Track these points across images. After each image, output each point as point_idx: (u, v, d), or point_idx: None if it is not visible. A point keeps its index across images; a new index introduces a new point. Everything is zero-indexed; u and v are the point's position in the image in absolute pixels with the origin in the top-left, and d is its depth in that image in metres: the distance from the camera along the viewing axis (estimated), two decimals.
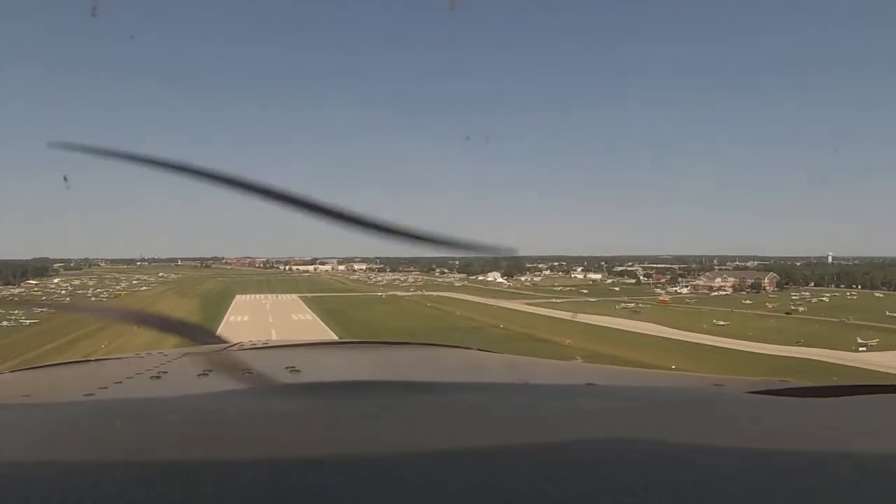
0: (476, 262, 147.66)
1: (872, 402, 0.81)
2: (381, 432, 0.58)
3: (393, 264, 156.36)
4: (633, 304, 74.98)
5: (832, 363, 37.52)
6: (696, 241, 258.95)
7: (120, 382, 1.05)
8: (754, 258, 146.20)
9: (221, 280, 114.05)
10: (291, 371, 1.09)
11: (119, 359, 1.53)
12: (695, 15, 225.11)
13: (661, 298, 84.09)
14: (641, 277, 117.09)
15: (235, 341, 1.66)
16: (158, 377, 1.12)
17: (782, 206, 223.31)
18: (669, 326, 54.72)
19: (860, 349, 43.99)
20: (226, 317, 53.63)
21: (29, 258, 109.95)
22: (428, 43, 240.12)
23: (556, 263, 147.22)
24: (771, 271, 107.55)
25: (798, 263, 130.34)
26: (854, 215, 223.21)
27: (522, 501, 0.43)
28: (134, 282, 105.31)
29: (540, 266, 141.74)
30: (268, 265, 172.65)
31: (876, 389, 0.85)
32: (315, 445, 0.52)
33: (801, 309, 71.06)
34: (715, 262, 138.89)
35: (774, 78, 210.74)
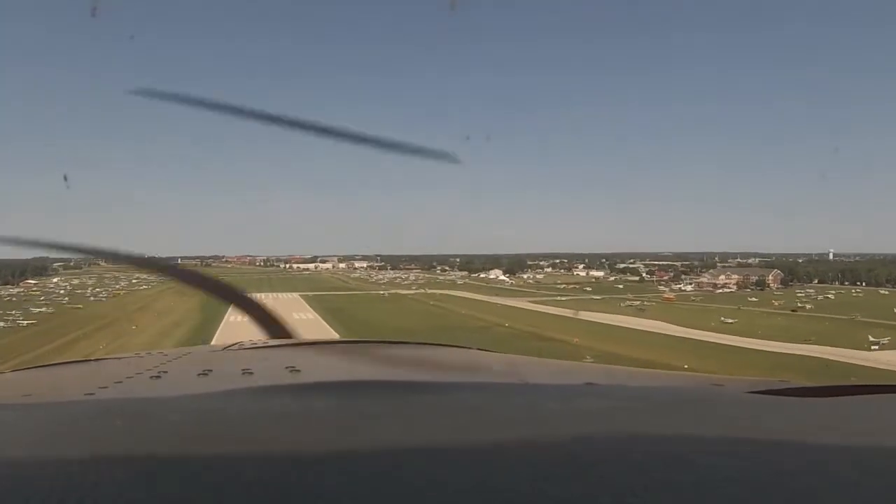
0: (477, 259, 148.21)
1: (872, 402, 0.81)
2: (381, 432, 0.58)
3: (393, 262, 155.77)
4: (638, 302, 74.42)
5: (848, 363, 36.75)
6: (697, 238, 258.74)
7: (120, 382, 1.05)
8: (755, 255, 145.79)
9: (222, 278, 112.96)
10: (291, 371, 1.09)
11: (119, 359, 1.54)
12: (696, 11, 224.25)
13: (666, 296, 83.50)
14: (644, 275, 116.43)
15: (235, 341, 1.68)
16: (158, 377, 1.13)
17: (783, 204, 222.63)
18: (677, 324, 54.03)
19: (872, 347, 43.28)
20: (226, 317, 52.83)
21: (29, 258, 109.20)
22: (428, 43, 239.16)
23: (558, 261, 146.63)
24: (773, 268, 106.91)
25: (800, 260, 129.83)
26: (855, 212, 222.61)
27: (522, 501, 0.43)
28: (133, 281, 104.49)
29: (541, 263, 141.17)
30: (268, 263, 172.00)
31: (876, 389, 0.85)
32: (315, 445, 0.52)
33: (807, 306, 70.45)
34: (716, 259, 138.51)
35: (774, 75, 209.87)
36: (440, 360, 1.56)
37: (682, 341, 45.80)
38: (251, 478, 0.45)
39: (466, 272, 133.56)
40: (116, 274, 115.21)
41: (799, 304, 71.58)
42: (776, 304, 72.72)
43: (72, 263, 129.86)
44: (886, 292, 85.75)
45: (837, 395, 0.82)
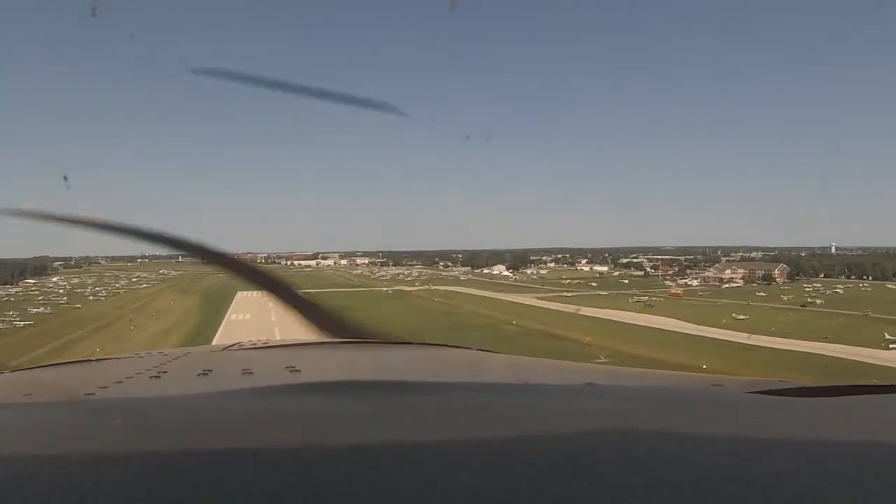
0: (480, 255, 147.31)
1: (872, 402, 0.81)
2: (381, 432, 0.57)
3: (395, 258, 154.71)
4: (646, 298, 73.12)
5: (868, 363, 35.51)
6: (699, 232, 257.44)
7: (120, 382, 1.05)
8: (757, 249, 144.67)
9: (222, 276, 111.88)
10: (291, 371, 1.09)
11: (119, 359, 1.54)
12: (696, 6, 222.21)
13: (673, 291, 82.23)
14: (649, 269, 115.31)
15: (235, 341, 1.68)
16: (158, 377, 1.13)
17: (784, 197, 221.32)
18: (688, 321, 52.75)
19: (891, 346, 42.06)
20: (227, 315, 51.80)
21: (29, 257, 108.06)
22: (428, 42, 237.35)
23: (560, 256, 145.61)
24: (778, 262, 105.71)
25: (803, 254, 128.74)
26: (857, 206, 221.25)
27: (522, 501, 0.43)
28: (134, 279, 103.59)
29: (544, 258, 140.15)
30: (269, 261, 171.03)
31: (876, 389, 0.85)
32: (315, 445, 0.52)
33: (818, 301, 69.21)
34: (719, 252, 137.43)
35: (774, 70, 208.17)
36: (440, 360, 1.57)
37: (696, 339, 44.54)
38: (251, 478, 0.45)
39: (469, 268, 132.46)
40: (117, 273, 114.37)
41: (808, 300, 70.34)
42: (785, 299, 71.45)
43: (72, 262, 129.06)
44: (894, 287, 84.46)
45: (837, 395, 0.82)
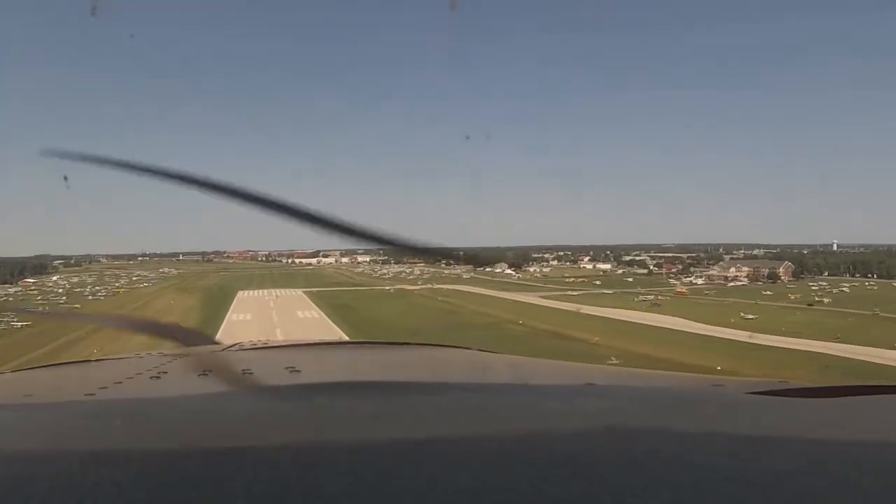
0: (482, 252, 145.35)
1: (872, 402, 0.81)
2: (381, 432, 0.57)
3: (396, 256, 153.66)
4: (651, 297, 72.28)
5: (884, 364, 34.62)
6: (700, 229, 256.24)
7: (120, 382, 1.05)
8: (759, 246, 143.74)
9: (223, 275, 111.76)
10: (291, 371, 1.09)
11: (119, 359, 1.55)
12: (697, 2, 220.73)
13: (679, 290, 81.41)
14: (652, 267, 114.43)
15: (235, 342, 1.69)
16: (158, 377, 1.13)
17: (786, 194, 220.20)
18: (696, 321, 51.89)
19: None
20: (227, 315, 51.09)
21: (30, 255, 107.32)
22: (428, 42, 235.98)
23: (562, 253, 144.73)
24: (779, 260, 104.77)
25: (805, 252, 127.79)
26: (858, 203, 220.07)
27: (522, 501, 0.43)
28: (134, 278, 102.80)
29: (546, 256, 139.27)
30: (270, 258, 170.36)
31: (876, 389, 0.85)
32: (315, 445, 0.52)
33: (825, 300, 68.28)
34: (721, 250, 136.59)
35: (774, 67, 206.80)
36: (440, 360, 1.57)
37: (706, 340, 43.71)
38: (251, 478, 0.45)
39: (472, 266, 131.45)
40: (117, 271, 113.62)
41: (816, 298, 69.47)
42: (792, 297, 70.62)
43: (72, 261, 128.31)
44: None
45: (837, 396, 0.82)
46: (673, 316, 55.23)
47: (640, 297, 71.77)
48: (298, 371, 1.08)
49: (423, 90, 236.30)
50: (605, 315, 56.69)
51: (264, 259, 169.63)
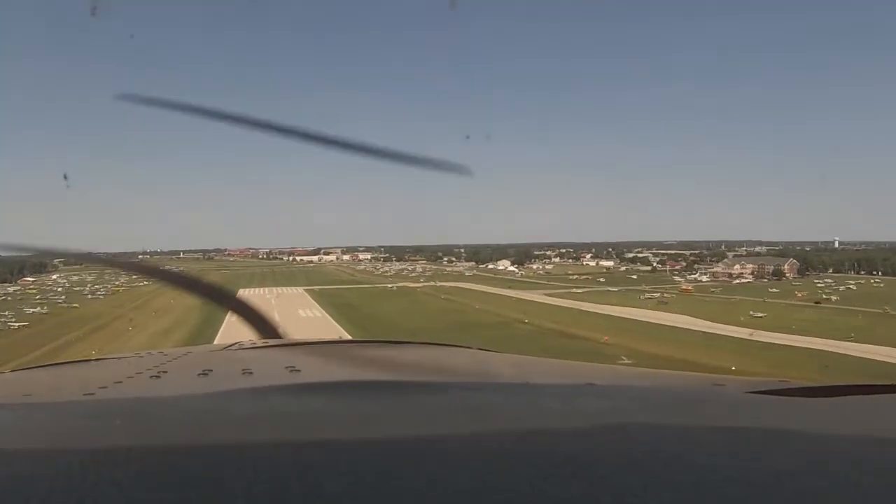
0: (483, 250, 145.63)
1: (872, 402, 0.82)
2: (381, 432, 0.58)
3: (398, 253, 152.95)
4: (658, 294, 71.72)
5: None
6: (700, 226, 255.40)
7: (120, 382, 1.05)
8: (760, 243, 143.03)
9: (224, 273, 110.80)
10: (291, 371, 1.09)
11: (119, 358, 1.55)
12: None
13: (684, 287, 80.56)
14: (655, 264, 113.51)
15: (235, 341, 1.72)
16: (158, 377, 1.13)
17: (786, 191, 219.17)
18: (705, 319, 51.12)
19: None
20: (228, 316, 49.97)
21: (31, 255, 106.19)
22: (428, 42, 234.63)
23: (564, 250, 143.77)
24: (782, 257, 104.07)
25: (807, 249, 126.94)
26: (859, 200, 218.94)
27: (522, 501, 0.43)
28: (134, 276, 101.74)
29: (548, 253, 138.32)
30: (271, 256, 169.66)
31: (876, 389, 0.85)
32: (315, 445, 0.52)
33: (833, 298, 67.40)
34: (723, 247, 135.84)
35: (776, 64, 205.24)
36: (440, 359, 1.57)
37: (715, 339, 42.89)
38: (251, 478, 0.45)
39: (474, 263, 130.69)
40: (117, 270, 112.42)
41: (824, 296, 68.54)
42: (799, 295, 69.74)
43: (73, 260, 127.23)
44: None
45: (837, 395, 0.82)
46: (681, 314, 54.46)
47: (646, 295, 71.10)
48: (298, 371, 1.08)
49: (424, 88, 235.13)
50: (613, 313, 55.99)
51: (265, 257, 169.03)
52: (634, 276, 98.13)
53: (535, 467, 0.48)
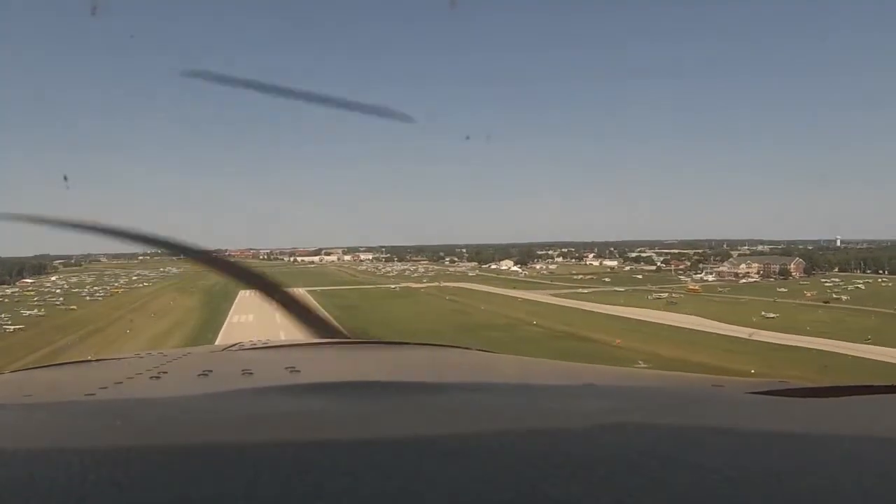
0: (485, 250, 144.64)
1: (872, 402, 0.82)
2: (381, 432, 0.57)
3: (399, 253, 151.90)
4: (665, 294, 70.48)
5: None
6: (701, 225, 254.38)
7: (120, 383, 1.05)
8: (762, 242, 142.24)
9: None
10: (291, 371, 1.09)
11: (119, 359, 1.55)
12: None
13: (691, 287, 79.32)
14: (660, 264, 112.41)
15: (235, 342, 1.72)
16: (158, 377, 1.13)
17: (788, 189, 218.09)
18: (717, 320, 49.96)
19: None
20: (228, 317, 49.07)
21: (30, 255, 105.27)
22: (428, 41, 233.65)
23: (566, 250, 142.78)
24: (786, 256, 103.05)
25: (810, 247, 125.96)
26: (861, 199, 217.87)
27: (522, 501, 0.43)
28: (134, 277, 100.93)
29: (550, 253, 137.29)
30: (272, 256, 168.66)
31: (876, 389, 0.85)
32: (315, 445, 0.52)
33: (843, 298, 66.16)
34: (725, 246, 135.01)
35: (776, 62, 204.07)
36: (440, 360, 1.58)
37: (731, 341, 41.76)
38: (251, 478, 0.45)
39: (476, 263, 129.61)
40: (116, 271, 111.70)
41: (833, 296, 67.34)
42: (808, 295, 68.48)
43: (72, 261, 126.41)
44: None
45: (837, 395, 0.82)
46: (691, 315, 53.30)
47: (654, 295, 69.92)
48: (298, 371, 1.08)
49: (425, 88, 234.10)
50: (622, 314, 54.84)
51: (266, 257, 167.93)
52: (640, 276, 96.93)
53: (535, 467, 0.48)
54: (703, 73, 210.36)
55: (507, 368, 1.50)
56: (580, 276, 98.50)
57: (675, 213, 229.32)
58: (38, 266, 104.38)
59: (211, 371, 1.14)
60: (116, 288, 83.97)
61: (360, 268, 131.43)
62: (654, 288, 77.40)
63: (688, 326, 48.09)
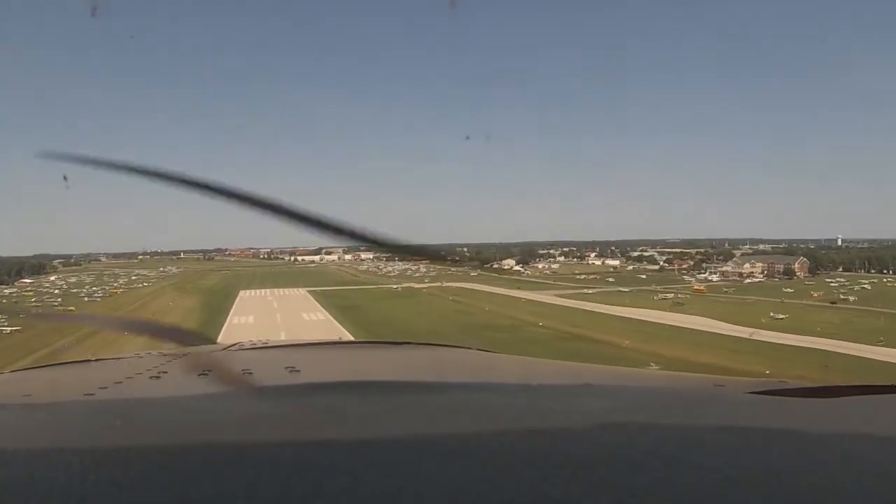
0: (486, 249, 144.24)
1: (872, 402, 0.82)
2: (382, 432, 0.57)
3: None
4: (671, 295, 69.57)
5: None
6: (702, 224, 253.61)
7: (120, 382, 1.06)
8: (763, 241, 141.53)
9: (224, 273, 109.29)
10: (291, 371, 1.09)
11: (119, 359, 1.56)
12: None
13: (696, 287, 78.54)
14: (663, 263, 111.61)
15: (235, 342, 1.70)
16: (158, 377, 1.14)
17: (788, 188, 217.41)
18: (725, 321, 49.10)
19: None
20: (229, 318, 48.32)
21: (29, 255, 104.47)
22: (428, 41, 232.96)
23: (567, 249, 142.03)
24: (789, 255, 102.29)
25: (811, 246, 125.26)
26: (862, 197, 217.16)
27: (522, 501, 0.43)
28: (133, 277, 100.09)
29: (552, 252, 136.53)
30: (272, 256, 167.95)
31: (876, 390, 0.85)
32: (315, 445, 0.52)
33: (850, 298, 65.32)
34: (726, 245, 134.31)
35: (777, 62, 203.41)
36: (440, 360, 1.57)
37: (739, 342, 40.98)
38: (251, 478, 0.45)
39: (478, 262, 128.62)
40: (116, 271, 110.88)
41: (841, 296, 66.51)
42: (815, 295, 67.68)
43: (72, 260, 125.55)
44: None
45: (837, 395, 0.82)
46: (699, 316, 52.42)
47: (660, 296, 69.11)
48: (298, 371, 1.08)
49: (425, 88, 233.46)
50: (629, 315, 53.87)
51: (266, 257, 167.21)
52: (643, 276, 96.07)
53: (535, 467, 0.47)
54: (703, 73, 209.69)
55: (507, 368, 1.49)
56: (583, 276, 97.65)
57: (675, 212, 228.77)
58: (38, 266, 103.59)
59: (211, 371, 1.13)
60: (115, 288, 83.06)
61: (361, 267, 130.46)
62: (658, 288, 76.57)
63: (696, 328, 47.22)
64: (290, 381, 0.97)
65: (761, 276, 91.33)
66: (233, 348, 1.60)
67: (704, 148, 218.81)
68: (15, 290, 79.19)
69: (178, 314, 51.80)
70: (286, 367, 1.10)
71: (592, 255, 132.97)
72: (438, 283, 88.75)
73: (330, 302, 62.70)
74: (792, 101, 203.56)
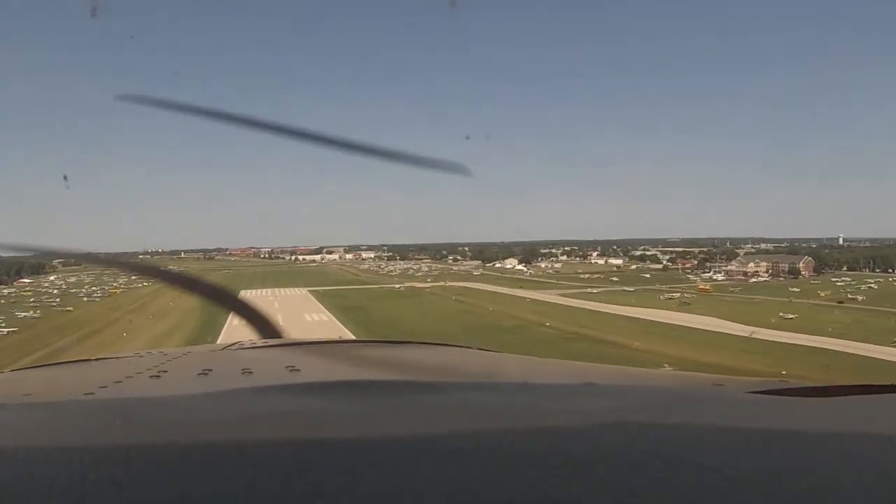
0: (488, 248, 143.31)
1: (872, 402, 0.82)
2: (382, 431, 0.58)
3: (401, 252, 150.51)
4: (678, 294, 68.82)
5: None
6: (703, 223, 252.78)
7: (120, 382, 1.06)
8: (765, 240, 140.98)
9: (225, 273, 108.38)
10: (291, 371, 1.09)
11: (119, 358, 1.56)
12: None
13: (702, 287, 77.76)
14: (666, 262, 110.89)
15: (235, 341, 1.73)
16: (158, 377, 1.14)
17: (789, 188, 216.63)
18: (734, 321, 48.35)
19: None
20: (229, 318, 47.44)
21: (28, 255, 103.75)
22: (427, 41, 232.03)
23: (569, 248, 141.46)
24: (792, 254, 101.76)
25: (813, 245, 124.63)
26: (863, 196, 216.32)
27: (523, 501, 0.43)
28: (133, 277, 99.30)
29: (554, 251, 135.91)
30: (273, 255, 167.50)
31: (876, 389, 0.85)
32: (315, 445, 0.52)
33: (858, 298, 64.49)
34: (728, 244, 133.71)
35: (777, 61, 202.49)
36: (440, 359, 1.58)
37: (748, 342, 40.24)
38: (251, 478, 0.45)
39: (480, 262, 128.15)
40: (116, 271, 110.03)
41: (848, 296, 65.70)
42: (822, 295, 66.85)
43: (72, 261, 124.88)
44: None
45: (837, 395, 0.82)
46: (707, 316, 51.67)
47: (666, 295, 68.33)
48: (298, 371, 1.08)
49: (425, 87, 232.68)
50: (636, 315, 53.25)
51: (267, 256, 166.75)
52: (647, 276, 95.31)
53: (535, 467, 0.47)
54: (704, 72, 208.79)
55: (508, 367, 1.49)
56: (587, 276, 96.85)
57: (676, 212, 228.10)
58: (37, 265, 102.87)
59: (211, 370, 1.14)
60: (115, 288, 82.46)
61: (362, 266, 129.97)
62: (664, 287, 75.82)
63: (706, 328, 46.51)
64: (290, 381, 0.97)
65: (766, 275, 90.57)
66: (233, 347, 1.59)
67: (705, 147, 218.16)
68: (14, 290, 78.60)
69: (178, 314, 51.11)
70: (286, 367, 1.09)
71: (594, 254, 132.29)
72: (441, 283, 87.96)
73: (332, 302, 62.04)
74: (792, 100, 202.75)
